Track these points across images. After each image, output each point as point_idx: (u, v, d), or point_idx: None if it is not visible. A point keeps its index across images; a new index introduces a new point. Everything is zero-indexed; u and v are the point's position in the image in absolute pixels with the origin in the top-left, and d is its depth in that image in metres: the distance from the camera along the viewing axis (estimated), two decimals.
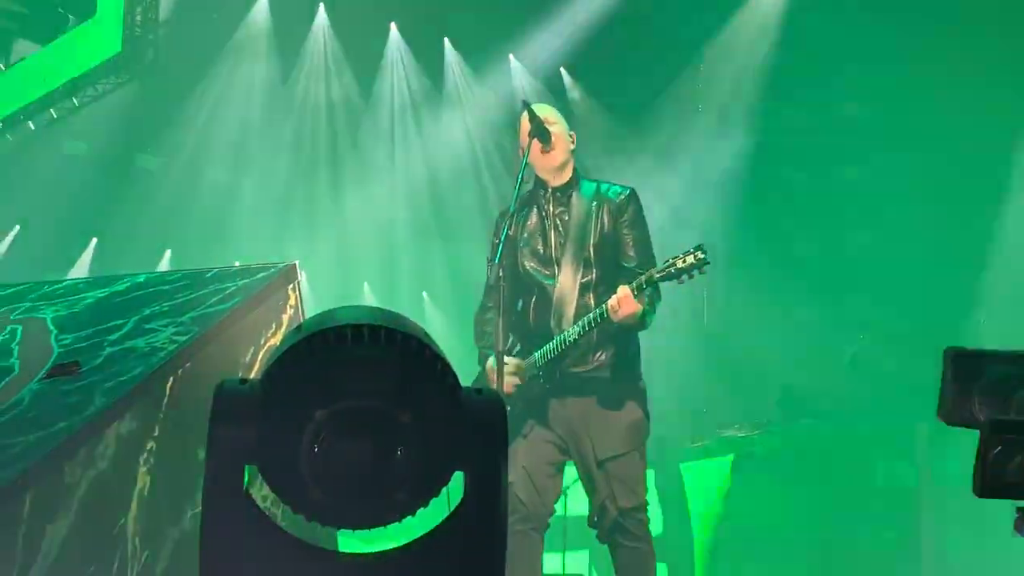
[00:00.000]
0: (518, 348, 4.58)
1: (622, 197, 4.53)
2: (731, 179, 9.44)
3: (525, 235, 4.60)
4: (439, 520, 1.55)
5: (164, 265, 11.13)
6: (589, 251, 4.48)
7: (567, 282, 4.47)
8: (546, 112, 4.62)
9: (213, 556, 1.51)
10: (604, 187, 4.59)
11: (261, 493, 1.62)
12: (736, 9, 9.71)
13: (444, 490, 1.53)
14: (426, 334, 1.53)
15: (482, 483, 1.53)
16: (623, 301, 4.17)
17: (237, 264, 4.75)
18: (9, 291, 3.89)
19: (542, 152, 4.49)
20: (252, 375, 3.31)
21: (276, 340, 3.44)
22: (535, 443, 4.44)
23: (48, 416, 2.85)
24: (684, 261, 4.16)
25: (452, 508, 1.54)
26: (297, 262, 3.69)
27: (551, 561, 6.61)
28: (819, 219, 8.92)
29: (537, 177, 4.63)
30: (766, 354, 8.61)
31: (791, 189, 9.15)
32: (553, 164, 4.54)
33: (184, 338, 3.18)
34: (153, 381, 3.02)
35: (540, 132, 4.45)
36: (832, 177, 8.89)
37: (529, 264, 4.57)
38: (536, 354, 4.45)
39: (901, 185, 8.40)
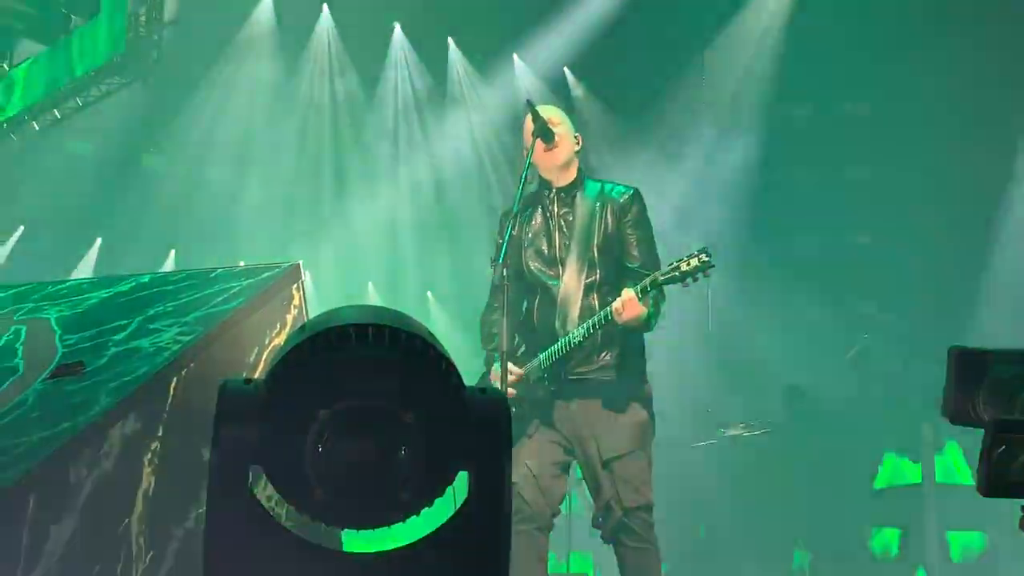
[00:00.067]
0: (523, 349, 4.57)
1: (626, 197, 4.52)
2: (735, 179, 9.44)
3: (529, 235, 4.59)
4: (443, 520, 1.55)
5: (168, 265, 11.16)
6: (593, 252, 4.46)
7: (571, 283, 4.46)
8: (550, 112, 4.60)
9: (217, 556, 1.51)
10: (608, 187, 4.57)
11: (265, 493, 1.62)
12: (739, 9, 9.71)
13: (448, 490, 1.53)
14: (430, 334, 1.53)
15: (486, 483, 1.53)
16: (627, 304, 4.16)
17: (241, 264, 4.75)
18: (13, 291, 3.90)
19: (545, 151, 4.48)
20: (256, 375, 3.31)
21: (280, 340, 3.44)
22: (540, 443, 4.43)
23: (52, 416, 2.86)
24: (688, 264, 4.14)
25: (456, 508, 1.54)
26: (301, 262, 3.70)
27: (555, 561, 6.61)
28: (823, 219, 8.92)
29: (541, 177, 4.62)
30: (770, 354, 8.61)
31: (795, 189, 9.15)
32: (556, 163, 4.52)
33: (188, 338, 3.18)
34: (157, 381, 3.02)
35: (543, 132, 4.44)
36: (836, 177, 8.88)
37: (533, 265, 4.56)
38: (541, 355, 4.44)
39: (905, 185, 8.39)
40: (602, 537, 4.44)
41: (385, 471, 1.46)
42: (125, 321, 3.36)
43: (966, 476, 7.34)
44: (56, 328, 3.43)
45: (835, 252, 8.80)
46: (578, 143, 4.62)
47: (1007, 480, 1.57)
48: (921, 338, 7.53)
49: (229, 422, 1.49)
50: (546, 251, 4.55)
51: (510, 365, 4.30)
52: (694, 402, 8.51)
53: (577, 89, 10.75)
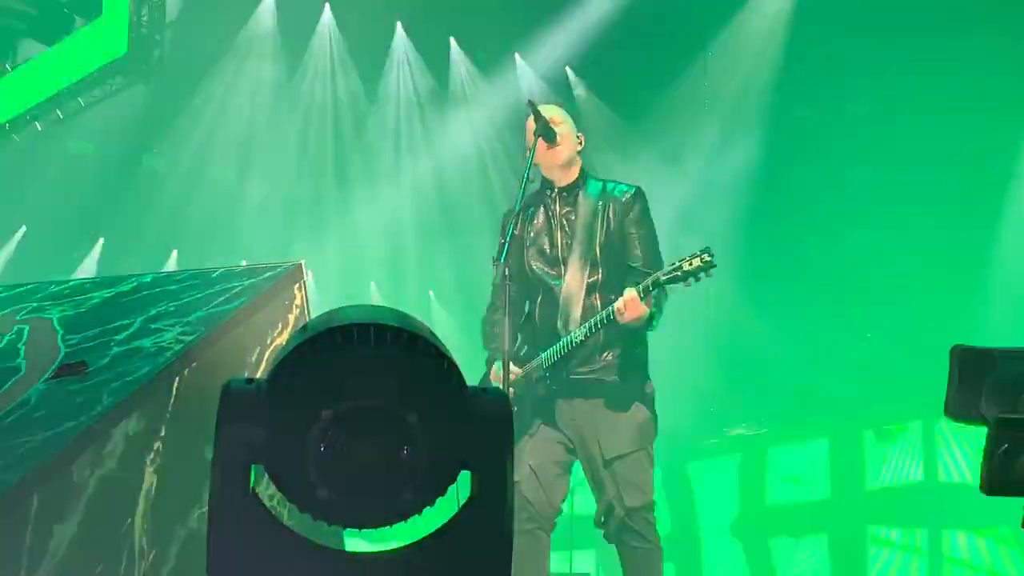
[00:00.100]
0: (525, 349, 4.57)
1: (627, 196, 4.52)
2: (738, 180, 9.44)
3: (531, 235, 4.58)
4: (446, 520, 1.55)
5: (170, 265, 11.16)
6: (596, 251, 4.46)
7: (573, 282, 4.46)
8: (552, 112, 4.60)
9: (220, 555, 1.52)
10: (610, 186, 4.57)
11: (267, 492, 1.62)
12: (742, 9, 9.70)
13: (451, 489, 1.53)
14: (432, 333, 1.53)
15: (488, 482, 1.53)
16: (629, 304, 4.15)
17: (243, 264, 4.76)
18: (16, 291, 3.90)
19: (547, 150, 4.48)
20: (258, 375, 3.31)
21: (282, 340, 3.44)
22: (542, 442, 4.43)
23: (55, 416, 2.86)
24: (691, 264, 4.12)
25: (459, 507, 1.54)
26: (303, 261, 3.70)
27: (558, 560, 6.61)
28: (826, 219, 8.91)
29: (543, 177, 4.62)
30: (773, 354, 8.60)
31: (798, 190, 9.14)
32: (558, 161, 4.52)
33: (190, 338, 3.19)
34: (160, 381, 3.02)
35: (546, 131, 4.43)
36: (839, 177, 8.87)
37: (535, 264, 4.56)
38: (543, 355, 4.44)
39: (908, 184, 8.38)
40: (604, 537, 4.44)
41: (387, 471, 1.46)
42: (127, 321, 3.36)
43: (968, 475, 7.34)
44: (58, 328, 3.43)
45: (838, 251, 8.79)
46: (580, 143, 4.62)
47: (1009, 478, 1.57)
48: (924, 337, 7.52)
49: (231, 422, 1.49)
50: (548, 250, 4.55)
51: (512, 365, 4.31)
52: (698, 401, 8.51)
53: (579, 88, 10.74)
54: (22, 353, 3.30)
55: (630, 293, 4.16)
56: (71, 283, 4.05)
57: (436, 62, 11.30)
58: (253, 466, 1.51)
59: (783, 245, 9.17)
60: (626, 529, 4.32)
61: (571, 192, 4.56)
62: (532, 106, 4.52)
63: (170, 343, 3.17)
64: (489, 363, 4.59)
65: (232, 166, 11.53)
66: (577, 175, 4.58)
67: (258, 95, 11.15)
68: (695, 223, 8.81)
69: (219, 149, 11.28)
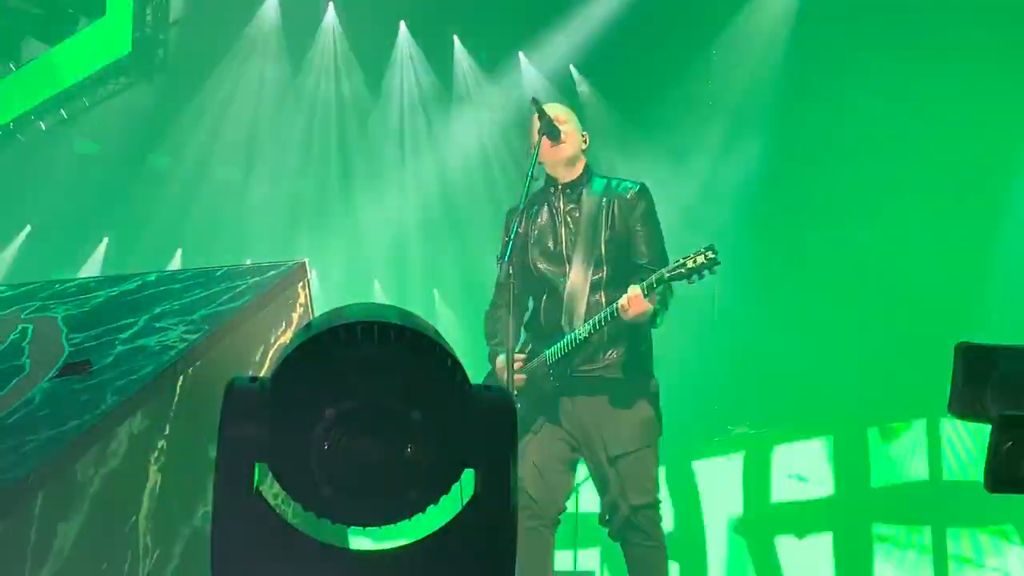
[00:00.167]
0: (530, 347, 4.57)
1: (632, 192, 4.51)
2: (742, 179, 9.42)
3: (536, 232, 4.58)
4: (450, 517, 1.55)
5: (175, 263, 11.17)
6: (600, 248, 4.46)
7: (578, 279, 4.45)
8: (557, 110, 4.60)
9: (224, 554, 1.52)
10: (615, 183, 4.57)
11: (271, 491, 1.62)
12: (746, 8, 9.69)
13: (455, 487, 1.53)
14: (436, 331, 1.53)
15: (492, 480, 1.53)
16: (633, 301, 4.15)
17: (247, 262, 4.76)
18: (20, 290, 3.90)
19: (551, 147, 4.48)
20: (262, 373, 3.31)
21: (286, 338, 3.44)
22: (546, 440, 4.43)
23: (59, 415, 2.86)
24: (695, 261, 4.12)
25: (463, 505, 1.54)
26: (307, 260, 3.70)
27: (562, 558, 6.62)
28: (831, 218, 8.90)
29: (547, 174, 4.62)
30: (777, 352, 8.59)
31: (803, 189, 9.13)
32: (561, 158, 4.52)
33: (195, 336, 3.19)
34: (164, 379, 3.02)
35: (550, 129, 4.43)
36: (844, 176, 8.86)
37: (540, 262, 4.55)
38: (547, 352, 4.44)
39: (912, 183, 8.37)
40: (609, 535, 4.44)
41: (391, 469, 1.46)
42: (131, 319, 3.36)
43: (973, 472, 7.33)
44: (63, 326, 3.43)
45: (843, 249, 8.77)
46: (585, 141, 4.62)
47: (1014, 475, 1.57)
48: (928, 335, 7.51)
49: (235, 420, 1.49)
50: (552, 248, 4.54)
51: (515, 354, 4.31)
52: (702, 399, 8.50)
53: (583, 87, 10.73)
54: (26, 352, 3.30)
55: (634, 290, 4.16)
56: (75, 282, 4.05)
57: (440, 61, 11.29)
58: (257, 464, 1.51)
59: (787, 243, 9.16)
60: (630, 527, 4.31)
61: (575, 189, 4.56)
62: (536, 104, 4.52)
63: (174, 342, 3.17)
64: (492, 358, 4.58)
65: (236, 165, 11.54)
66: (581, 172, 4.58)
67: (262, 94, 11.15)
68: (699, 222, 8.79)
69: (223, 148, 11.28)
